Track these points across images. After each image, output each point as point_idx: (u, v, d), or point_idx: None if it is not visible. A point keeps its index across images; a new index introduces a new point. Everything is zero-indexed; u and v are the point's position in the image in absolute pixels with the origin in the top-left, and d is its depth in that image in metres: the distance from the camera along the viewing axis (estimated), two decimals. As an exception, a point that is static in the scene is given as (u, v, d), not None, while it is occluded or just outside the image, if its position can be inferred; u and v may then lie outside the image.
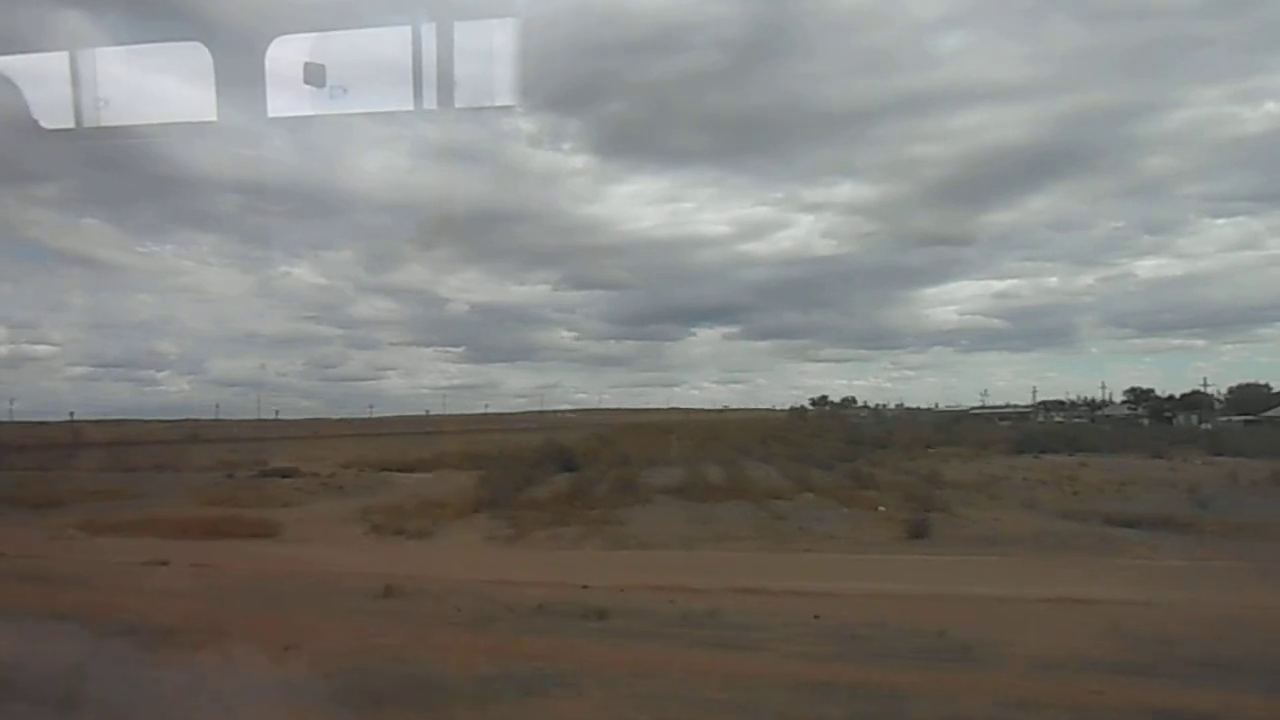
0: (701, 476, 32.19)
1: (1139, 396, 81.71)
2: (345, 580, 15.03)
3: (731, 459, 40.34)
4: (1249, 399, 64.00)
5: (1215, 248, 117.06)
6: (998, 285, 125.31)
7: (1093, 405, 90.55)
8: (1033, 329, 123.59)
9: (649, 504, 26.05)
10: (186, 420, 71.49)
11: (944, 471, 30.62)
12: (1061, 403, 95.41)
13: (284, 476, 33.69)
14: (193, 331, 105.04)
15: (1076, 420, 75.75)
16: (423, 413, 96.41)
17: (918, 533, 17.65)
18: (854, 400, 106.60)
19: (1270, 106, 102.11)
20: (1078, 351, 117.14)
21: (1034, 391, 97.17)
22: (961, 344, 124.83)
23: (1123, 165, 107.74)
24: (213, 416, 73.69)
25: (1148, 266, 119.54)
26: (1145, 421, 67.03)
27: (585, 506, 25.26)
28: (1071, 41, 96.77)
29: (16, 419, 64.06)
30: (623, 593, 13.73)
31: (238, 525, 21.73)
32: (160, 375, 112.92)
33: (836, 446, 47.80)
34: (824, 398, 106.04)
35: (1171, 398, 79.80)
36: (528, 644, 10.28)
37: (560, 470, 35.51)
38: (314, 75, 4.74)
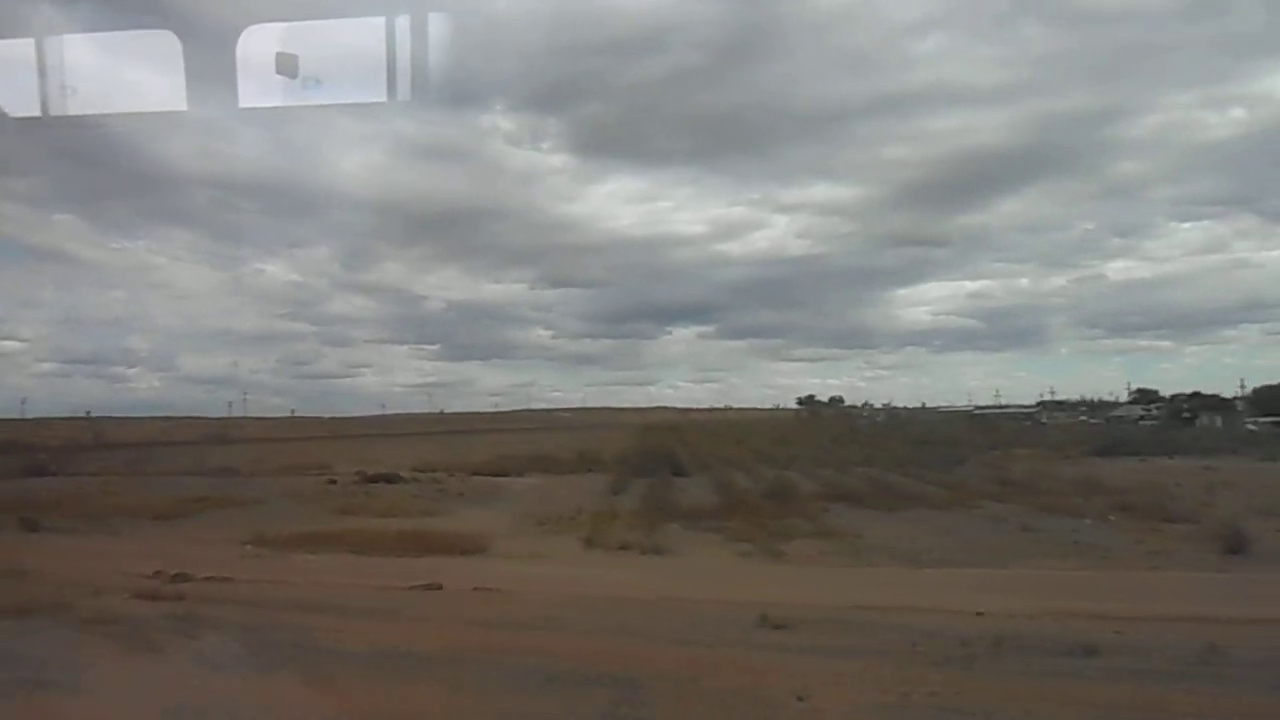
0: (844, 482, 31.05)
1: (1147, 397, 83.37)
2: (680, 606, 13.30)
3: (834, 463, 39.14)
4: (1271, 400, 65.55)
5: (1182, 251, 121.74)
6: (970, 286, 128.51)
7: (1093, 406, 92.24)
8: (1004, 329, 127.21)
9: (828, 513, 24.65)
10: (185, 418, 67.61)
11: (1099, 476, 29.87)
12: (1061, 403, 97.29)
13: (389, 482, 31.35)
14: (164, 328, 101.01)
15: (1093, 421, 76.67)
16: (437, 411, 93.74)
17: (1234, 548, 16.63)
18: (841, 400, 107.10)
19: (1237, 112, 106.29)
20: (1047, 352, 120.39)
21: (1051, 391, 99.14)
22: (934, 344, 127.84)
23: (1094, 169, 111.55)
24: (191, 414, 69.87)
25: (1117, 268, 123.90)
26: (1172, 424, 67.94)
27: (772, 516, 23.65)
28: (1045, 46, 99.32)
29: (8, 416, 59.46)
30: (1035, 620, 12.29)
31: (440, 540, 19.59)
32: (131, 371, 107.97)
33: (908, 449, 47.09)
34: (811, 397, 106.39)
35: (1175, 398, 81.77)
36: (1082, 690, 8.74)
37: (673, 474, 33.97)
38: (286, 65, 4.61)
